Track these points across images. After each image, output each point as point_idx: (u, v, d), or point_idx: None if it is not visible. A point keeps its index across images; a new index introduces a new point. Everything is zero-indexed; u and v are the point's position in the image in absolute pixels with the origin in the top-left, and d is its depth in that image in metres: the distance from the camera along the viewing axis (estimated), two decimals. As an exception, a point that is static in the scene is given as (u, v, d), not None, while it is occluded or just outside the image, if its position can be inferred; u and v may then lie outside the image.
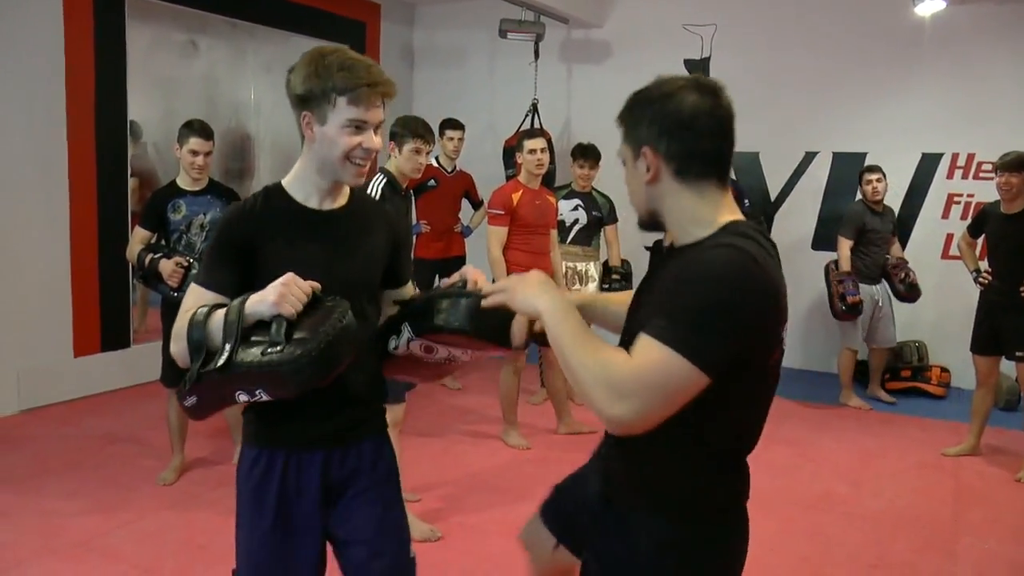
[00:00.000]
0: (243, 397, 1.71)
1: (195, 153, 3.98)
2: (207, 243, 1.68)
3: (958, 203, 6.47)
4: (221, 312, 1.71)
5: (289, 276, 1.70)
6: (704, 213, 1.52)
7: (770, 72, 6.84)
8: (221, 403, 1.77)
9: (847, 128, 6.71)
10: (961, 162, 6.46)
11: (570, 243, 5.55)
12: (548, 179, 6.59)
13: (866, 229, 5.72)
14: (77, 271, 5.42)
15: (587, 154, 5.55)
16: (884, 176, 5.77)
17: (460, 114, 6.22)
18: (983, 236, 4.98)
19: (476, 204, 6.08)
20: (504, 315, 1.75)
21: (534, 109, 7.04)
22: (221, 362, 1.66)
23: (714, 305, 1.38)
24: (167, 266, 3.81)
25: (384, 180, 3.67)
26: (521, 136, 5.05)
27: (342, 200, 1.94)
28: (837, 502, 4.21)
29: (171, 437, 4.22)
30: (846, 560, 3.59)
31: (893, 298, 5.88)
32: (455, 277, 1.89)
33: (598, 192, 5.67)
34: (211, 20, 6.44)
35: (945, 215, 6.52)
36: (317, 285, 1.73)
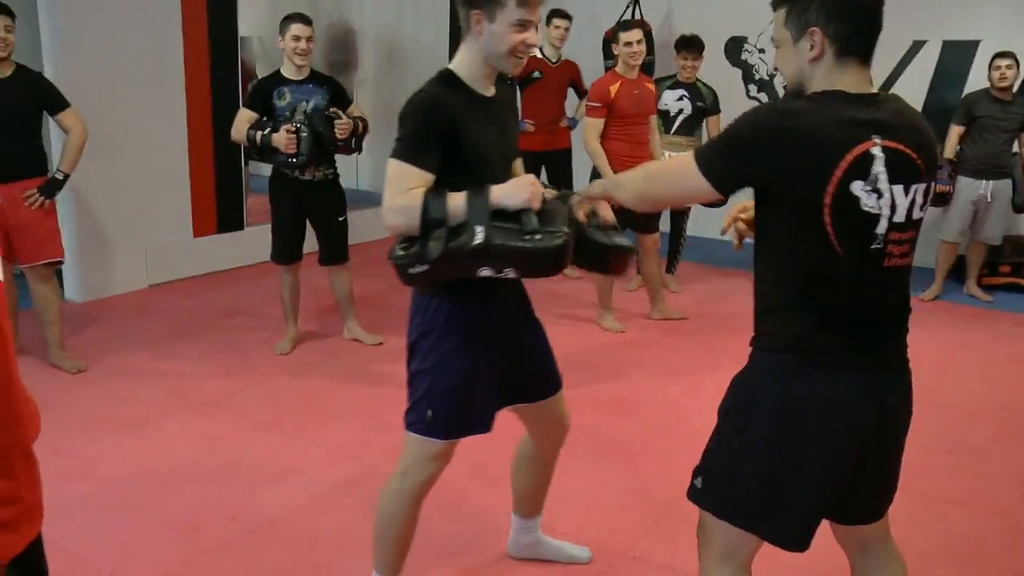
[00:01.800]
0: (486, 272, 1.95)
1: (297, 39, 4.19)
2: (407, 127, 1.98)
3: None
4: (460, 196, 1.95)
5: (531, 177, 2.03)
6: (847, 85, 1.70)
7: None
8: (455, 275, 2.00)
9: (958, 15, 6.44)
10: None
11: (674, 133, 5.59)
12: (647, 69, 6.59)
13: (979, 115, 5.53)
14: (195, 159, 5.78)
15: (691, 46, 5.54)
16: (1017, 63, 5.47)
17: (562, 3, 6.23)
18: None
19: (581, 94, 6.13)
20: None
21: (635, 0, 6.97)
22: (478, 241, 1.89)
23: (730, 133, 1.73)
24: (281, 136, 4.09)
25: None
26: (617, 27, 5.07)
27: (493, 87, 2.18)
28: (919, 391, 4.28)
29: (285, 311, 4.56)
30: (920, 445, 3.70)
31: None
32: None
33: (702, 83, 5.67)
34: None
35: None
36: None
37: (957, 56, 6.43)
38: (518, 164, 2.36)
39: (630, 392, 4.14)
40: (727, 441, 1.85)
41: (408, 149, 2.03)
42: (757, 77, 7.30)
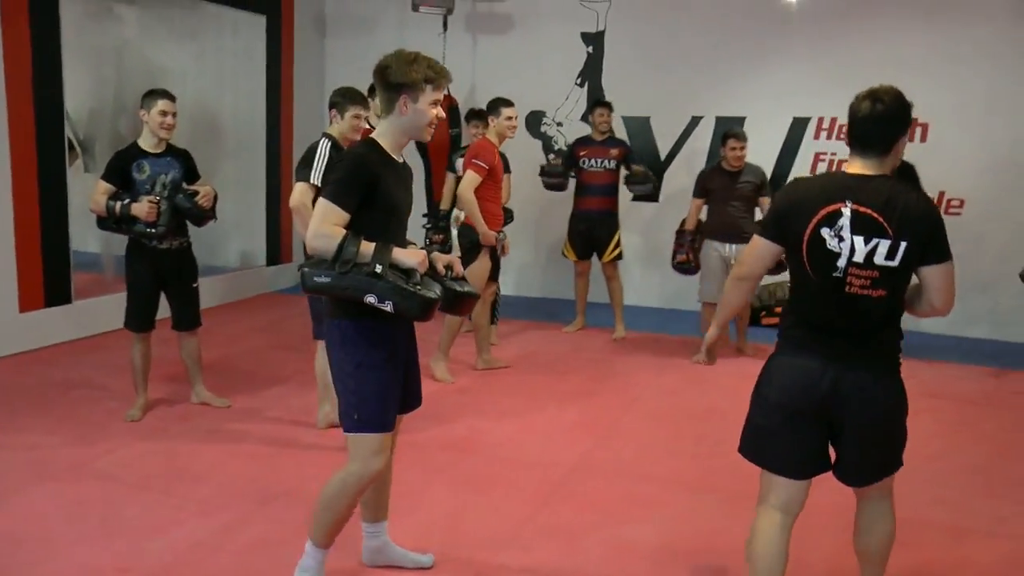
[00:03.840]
0: (371, 299, 2.54)
1: (164, 113, 4.43)
2: (336, 174, 2.71)
3: (823, 160, 7.36)
4: (371, 245, 2.57)
5: (424, 253, 2.69)
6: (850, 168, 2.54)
7: (659, 44, 7.62)
8: (345, 295, 2.58)
9: (728, 95, 7.52)
10: (826, 124, 7.36)
11: None
12: (456, 140, 7.25)
13: (712, 188, 6.10)
14: (20, 234, 5.75)
15: (483, 117, 6.11)
16: (742, 142, 6.01)
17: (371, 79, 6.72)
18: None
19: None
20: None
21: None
22: (376, 269, 2.53)
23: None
24: (143, 206, 4.32)
25: (329, 143, 4.20)
26: (499, 103, 5.60)
27: (401, 156, 2.84)
28: (719, 414, 5.01)
29: (135, 378, 4.65)
30: (730, 449, 4.37)
31: None
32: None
33: (500, 153, 6.26)
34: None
35: (813, 171, 7.40)
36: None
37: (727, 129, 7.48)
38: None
39: (472, 432, 4.59)
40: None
41: (336, 192, 2.64)
42: (556, 147, 8.07)
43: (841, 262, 2.43)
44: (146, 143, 4.49)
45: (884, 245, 2.40)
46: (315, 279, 2.58)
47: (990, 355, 6.53)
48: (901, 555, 2.98)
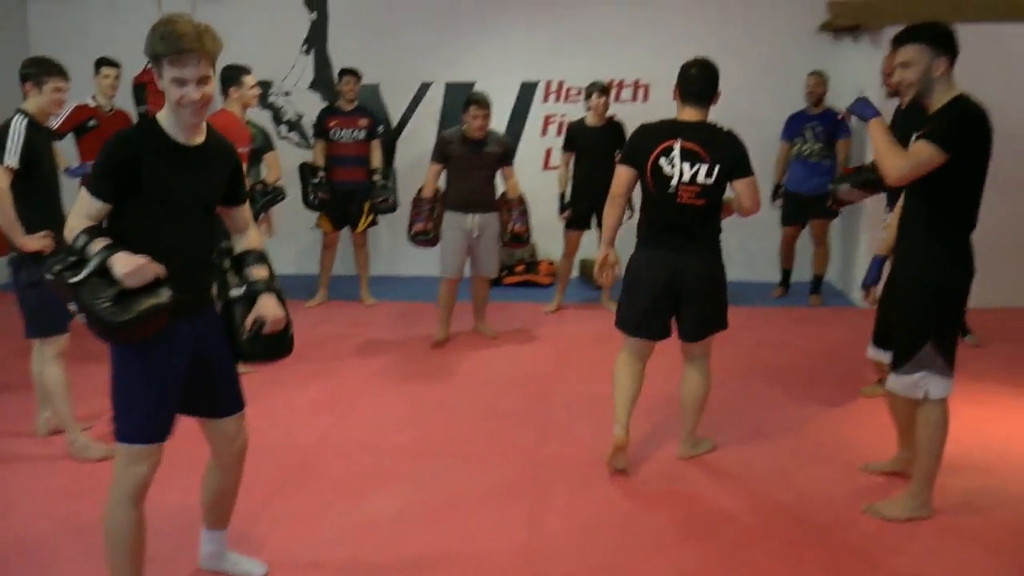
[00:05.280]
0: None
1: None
2: (97, 159, 2.33)
3: (553, 123, 7.56)
4: (101, 242, 2.29)
5: (145, 260, 2.27)
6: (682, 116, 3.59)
7: (384, 10, 7.48)
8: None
9: (457, 60, 7.54)
10: (554, 88, 7.57)
11: None
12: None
13: (452, 155, 5.51)
14: None
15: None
16: (484, 109, 5.42)
17: (81, 51, 6.12)
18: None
19: None
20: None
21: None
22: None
23: None
24: None
25: (25, 120, 3.71)
26: (241, 71, 5.12)
27: (199, 138, 2.46)
28: (459, 379, 5.04)
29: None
30: (466, 413, 4.41)
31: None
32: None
33: (253, 124, 5.88)
34: None
35: (543, 133, 7.61)
36: (162, 271, 2.30)
37: (458, 95, 7.49)
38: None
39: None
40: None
41: (92, 178, 2.38)
42: (286, 119, 7.76)
43: (674, 181, 3.49)
44: None
45: (703, 168, 3.46)
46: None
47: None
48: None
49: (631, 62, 7.38)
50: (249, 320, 2.59)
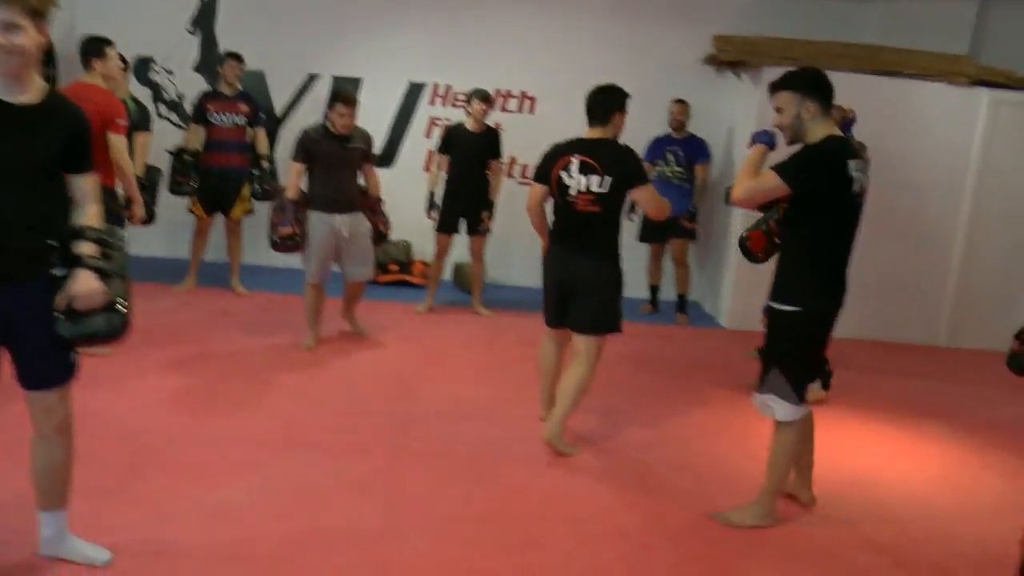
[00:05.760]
0: None
1: None
2: None
3: (438, 125, 7.60)
4: None
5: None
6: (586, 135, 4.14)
7: (275, -3, 7.39)
8: None
9: (345, 55, 7.52)
10: (441, 91, 7.64)
11: None
12: (52, 83, 6.42)
13: (317, 153, 5.20)
14: None
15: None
16: (350, 107, 5.20)
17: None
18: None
19: None
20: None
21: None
22: None
23: None
24: None
25: None
26: (103, 42, 4.87)
27: (30, 96, 2.42)
28: (324, 369, 5.04)
29: None
30: (330, 408, 4.42)
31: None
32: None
33: (133, 98, 5.81)
34: None
35: (428, 135, 7.66)
36: None
37: (348, 88, 7.48)
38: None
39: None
40: None
41: None
42: (167, 98, 7.54)
43: (572, 191, 3.99)
44: None
45: (596, 179, 3.93)
46: None
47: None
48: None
49: (521, 74, 7.56)
50: (61, 298, 2.49)
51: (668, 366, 5.80)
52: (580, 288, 4.04)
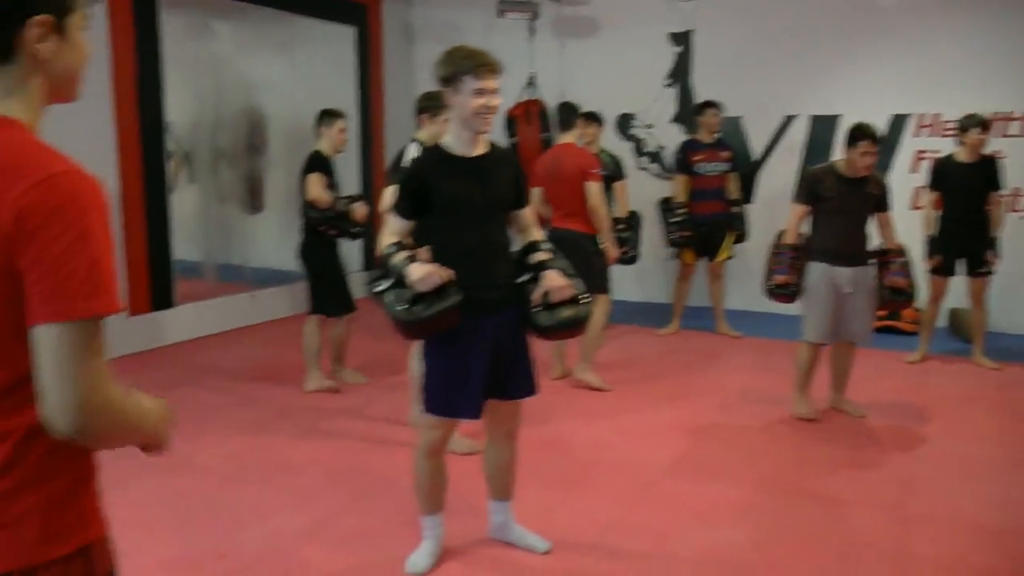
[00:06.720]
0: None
1: (343, 131, 5.06)
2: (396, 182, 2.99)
3: (925, 159, 7.03)
4: (401, 255, 2.76)
5: (433, 268, 2.68)
6: None
7: (749, 42, 7.46)
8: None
9: (822, 93, 7.32)
10: (927, 121, 7.08)
11: None
12: (547, 144, 7.23)
13: (824, 196, 4.61)
14: (129, 243, 6.02)
15: (592, 117, 6.06)
16: (876, 145, 4.54)
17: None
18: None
19: None
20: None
21: (531, 82, 7.63)
22: (375, 290, 2.80)
23: None
24: (362, 210, 4.99)
25: (418, 146, 4.26)
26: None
27: (482, 149, 2.88)
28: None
29: (315, 357, 5.13)
30: (831, 462, 4.23)
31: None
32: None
33: (606, 152, 6.28)
34: (225, 5, 6.94)
35: (914, 169, 7.12)
36: (448, 276, 2.69)
37: (822, 128, 7.30)
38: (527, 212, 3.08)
39: (564, 433, 4.54)
40: None
41: (395, 201, 2.91)
42: (647, 150, 7.99)
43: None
44: (328, 151, 5.03)
45: None
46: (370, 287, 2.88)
47: None
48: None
49: (1018, 93, 6.71)
50: (537, 293, 2.86)
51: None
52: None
